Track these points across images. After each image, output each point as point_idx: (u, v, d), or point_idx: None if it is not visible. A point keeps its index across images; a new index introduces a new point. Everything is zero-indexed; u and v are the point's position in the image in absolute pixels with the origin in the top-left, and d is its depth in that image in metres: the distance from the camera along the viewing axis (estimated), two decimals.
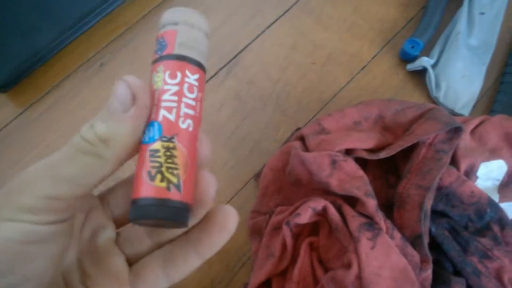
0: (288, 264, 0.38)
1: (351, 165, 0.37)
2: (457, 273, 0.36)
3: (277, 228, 0.39)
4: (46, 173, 0.16)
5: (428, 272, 0.34)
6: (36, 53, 0.51)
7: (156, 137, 0.18)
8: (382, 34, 0.53)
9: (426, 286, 0.35)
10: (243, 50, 0.53)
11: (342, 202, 0.37)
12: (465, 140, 0.40)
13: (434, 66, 0.49)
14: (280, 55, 0.52)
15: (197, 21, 0.19)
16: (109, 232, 0.21)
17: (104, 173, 0.17)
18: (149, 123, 0.18)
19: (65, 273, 0.20)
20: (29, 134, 0.50)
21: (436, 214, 0.37)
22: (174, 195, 0.17)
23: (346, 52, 0.52)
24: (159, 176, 0.17)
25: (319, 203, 0.37)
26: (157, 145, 0.18)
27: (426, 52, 0.50)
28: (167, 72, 0.18)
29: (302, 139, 0.41)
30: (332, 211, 0.36)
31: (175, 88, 0.18)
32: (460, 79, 0.48)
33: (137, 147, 0.18)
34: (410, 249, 0.34)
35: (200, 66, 0.19)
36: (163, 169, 0.17)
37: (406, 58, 0.51)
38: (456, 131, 0.39)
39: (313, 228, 0.39)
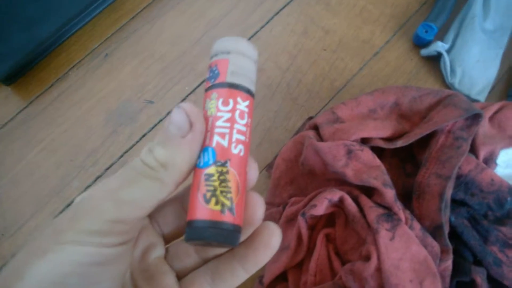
0: (304, 256, 0.37)
1: (367, 155, 0.36)
2: (478, 262, 0.35)
3: (291, 219, 0.39)
4: (109, 197, 0.17)
5: (448, 263, 0.34)
6: (39, 45, 0.50)
7: (211, 162, 0.19)
8: (394, 19, 0.51)
9: (446, 277, 0.34)
10: (251, 37, 0.51)
11: (358, 192, 0.36)
12: (484, 127, 0.39)
13: (448, 51, 0.48)
14: (290, 42, 0.51)
15: (247, 50, 0.20)
16: (159, 250, 0.22)
17: (163, 196, 0.18)
18: (203, 148, 0.19)
19: None
20: (35, 128, 0.49)
21: (455, 203, 0.36)
22: (228, 218, 0.18)
23: (357, 38, 0.51)
24: (213, 200, 0.18)
25: (335, 194, 0.36)
26: (211, 169, 0.19)
27: (440, 36, 0.49)
28: (220, 100, 0.19)
29: (315, 128, 0.40)
30: (349, 202, 0.35)
31: (227, 115, 0.19)
32: (476, 64, 0.47)
33: (192, 171, 0.19)
34: (430, 240, 0.33)
35: (250, 93, 0.20)
36: (218, 192, 0.18)
37: (419, 43, 0.49)
38: (475, 117, 0.37)
39: (329, 219, 0.38)
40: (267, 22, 0.52)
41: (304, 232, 0.36)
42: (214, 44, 0.21)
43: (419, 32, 0.48)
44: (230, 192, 0.18)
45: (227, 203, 0.18)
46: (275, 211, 0.40)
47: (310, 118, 0.46)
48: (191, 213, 0.19)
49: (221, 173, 0.18)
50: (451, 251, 0.33)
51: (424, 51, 0.49)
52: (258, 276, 0.39)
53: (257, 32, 0.51)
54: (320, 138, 0.39)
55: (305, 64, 0.50)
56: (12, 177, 0.46)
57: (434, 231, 0.34)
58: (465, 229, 0.35)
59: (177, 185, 0.19)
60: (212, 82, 0.20)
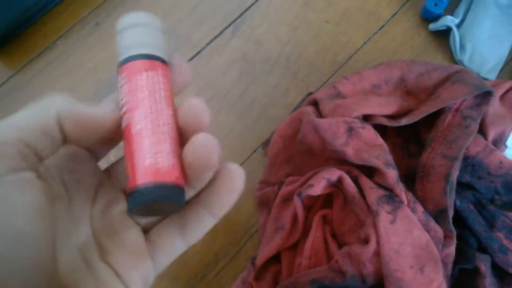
0: (299, 237, 0.36)
1: (369, 133, 0.34)
2: (482, 249, 0.33)
3: (287, 199, 0.37)
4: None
5: (452, 249, 0.32)
6: (25, 11, 0.47)
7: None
8: None
9: (448, 263, 0.32)
10: (250, 7, 0.48)
11: (358, 172, 0.34)
12: (494, 106, 0.36)
13: (459, 25, 0.45)
14: (290, 12, 0.48)
15: (135, 18, 0.20)
16: (121, 205, 0.21)
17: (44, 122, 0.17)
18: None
19: (84, 252, 0.19)
20: (21, 98, 0.47)
21: (461, 186, 0.35)
22: (164, 178, 0.18)
23: (363, 9, 0.48)
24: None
25: (334, 174, 0.34)
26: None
27: (451, 10, 0.47)
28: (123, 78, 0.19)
29: (315, 104, 0.38)
30: (348, 182, 0.33)
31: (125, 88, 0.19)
32: (487, 40, 0.44)
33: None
34: (433, 224, 0.32)
35: (148, 57, 0.20)
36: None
37: (428, 17, 0.47)
38: (485, 96, 0.35)
39: (326, 200, 0.36)
40: None
41: (300, 212, 0.35)
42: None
43: (427, 5, 0.46)
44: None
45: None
46: (270, 190, 0.39)
47: (310, 94, 0.43)
48: (128, 182, 0.18)
49: None
50: (455, 236, 0.32)
51: (433, 26, 0.46)
52: (251, 257, 0.37)
53: (255, 2, 0.49)
54: (320, 115, 0.37)
55: (306, 37, 0.47)
56: None
57: (438, 215, 0.32)
58: (471, 214, 0.33)
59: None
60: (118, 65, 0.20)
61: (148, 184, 0.17)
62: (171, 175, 0.18)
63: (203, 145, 0.19)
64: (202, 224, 0.20)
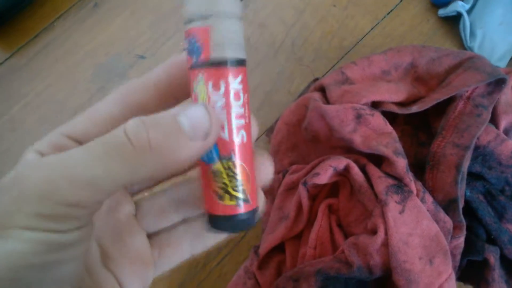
0: (304, 227, 0.35)
1: (378, 120, 0.33)
2: (491, 241, 0.32)
3: (291, 188, 0.36)
4: (64, 173, 0.14)
5: (461, 240, 0.31)
6: None
7: (215, 157, 0.18)
8: None
9: (457, 255, 0.32)
10: None
11: (366, 161, 0.33)
12: (507, 95, 0.35)
13: (469, 11, 0.44)
14: None
15: (229, 7, 0.17)
16: (128, 207, 0.20)
17: (133, 182, 0.15)
18: None
19: (86, 256, 0.18)
20: (17, 82, 0.45)
21: (471, 176, 0.34)
22: (244, 209, 0.18)
23: None
24: (227, 196, 0.18)
25: (341, 162, 0.33)
26: (218, 166, 0.18)
27: None
28: (210, 83, 0.17)
29: (322, 90, 0.37)
30: (356, 171, 0.32)
31: (221, 101, 0.17)
32: (498, 27, 0.43)
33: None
34: (442, 215, 0.31)
35: (241, 63, 0.17)
36: (229, 189, 0.18)
37: (438, 2, 0.46)
38: (497, 83, 0.34)
39: (332, 189, 0.36)
40: None
41: (305, 201, 0.34)
42: (185, 4, 0.17)
43: None
44: (241, 185, 0.18)
45: (240, 196, 0.18)
46: (274, 179, 0.38)
47: (316, 79, 0.42)
48: (207, 207, 0.19)
49: (229, 169, 0.18)
50: (464, 227, 0.31)
51: (442, 11, 0.45)
52: (254, 246, 0.36)
53: None
54: (327, 101, 0.36)
55: (312, 21, 0.46)
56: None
57: (448, 205, 0.31)
58: (480, 205, 0.33)
59: (154, 179, 0.16)
60: (195, 60, 0.17)
61: (223, 217, 0.18)
62: (246, 206, 0.18)
63: (265, 168, 0.19)
64: (214, 237, 0.21)
